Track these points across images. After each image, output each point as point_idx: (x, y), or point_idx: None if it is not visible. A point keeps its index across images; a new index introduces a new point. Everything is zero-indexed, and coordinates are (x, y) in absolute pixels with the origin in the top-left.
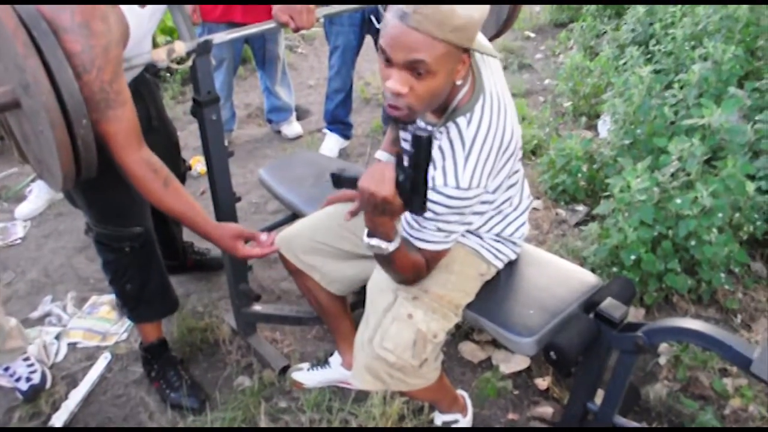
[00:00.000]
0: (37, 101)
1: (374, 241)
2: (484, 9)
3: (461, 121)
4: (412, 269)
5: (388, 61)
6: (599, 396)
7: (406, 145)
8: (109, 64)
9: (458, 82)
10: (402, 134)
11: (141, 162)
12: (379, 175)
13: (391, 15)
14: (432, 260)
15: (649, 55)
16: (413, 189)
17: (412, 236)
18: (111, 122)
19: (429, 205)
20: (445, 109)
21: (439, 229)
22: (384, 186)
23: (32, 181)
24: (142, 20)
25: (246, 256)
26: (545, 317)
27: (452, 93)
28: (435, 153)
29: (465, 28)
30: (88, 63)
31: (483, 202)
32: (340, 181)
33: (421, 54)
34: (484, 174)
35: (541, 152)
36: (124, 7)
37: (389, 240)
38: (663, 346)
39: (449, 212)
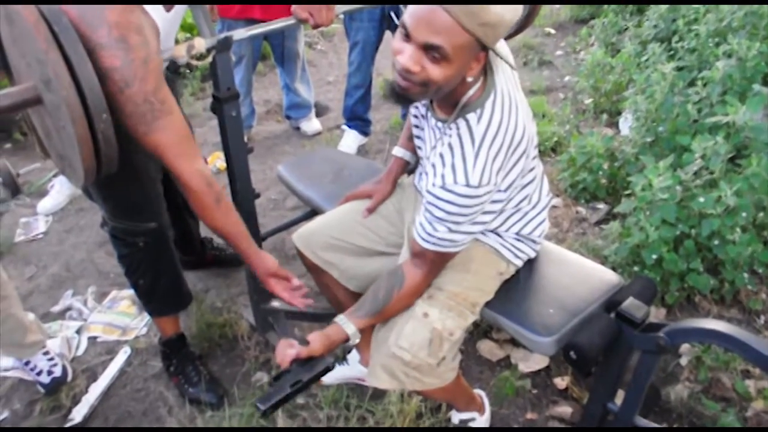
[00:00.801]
0: (59, 96)
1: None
2: (517, 11)
3: (471, 117)
4: (407, 300)
5: (407, 36)
6: (619, 396)
7: (417, 142)
8: (151, 74)
9: (469, 79)
10: (415, 131)
11: (197, 174)
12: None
13: None
14: (436, 265)
15: (671, 52)
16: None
17: (420, 236)
18: (160, 132)
19: (440, 203)
20: (454, 106)
21: (450, 230)
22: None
23: (54, 176)
24: (167, 23)
25: (273, 293)
26: (565, 317)
27: (462, 88)
28: (444, 150)
29: (494, 26)
30: (130, 77)
31: (494, 201)
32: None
33: (442, 39)
34: (494, 171)
35: (562, 150)
36: (152, 12)
37: (346, 338)
38: (684, 347)
39: (458, 211)
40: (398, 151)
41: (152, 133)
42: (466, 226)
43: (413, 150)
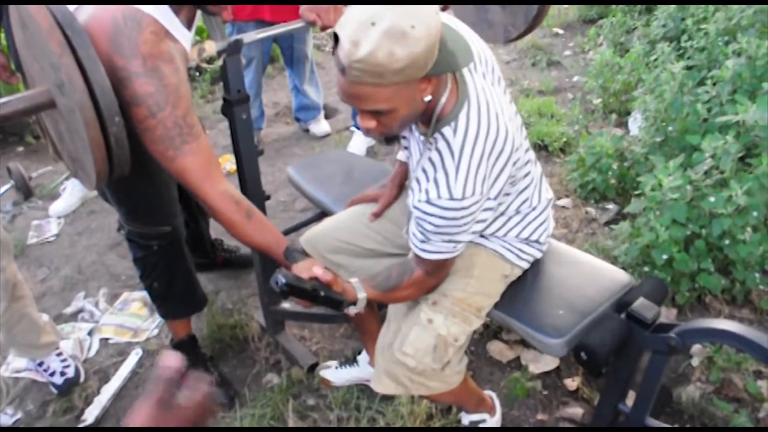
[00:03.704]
0: (72, 100)
1: (351, 309)
2: (432, 38)
3: (447, 131)
4: (414, 291)
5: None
6: (630, 397)
7: (407, 153)
8: (182, 100)
9: (427, 99)
10: (404, 142)
11: (222, 194)
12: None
13: (336, 65)
14: (438, 270)
15: (680, 51)
16: (325, 305)
17: (417, 247)
18: (187, 156)
19: (428, 218)
20: (429, 120)
21: (444, 241)
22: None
23: (66, 179)
24: (190, 42)
25: None
26: (575, 318)
27: (430, 105)
28: (426, 164)
29: (410, 67)
30: (162, 101)
31: (486, 209)
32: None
33: (372, 104)
34: (478, 181)
35: (571, 150)
36: (179, 37)
37: (354, 301)
38: (696, 347)
39: (448, 224)
40: (402, 156)
41: (180, 158)
42: (460, 236)
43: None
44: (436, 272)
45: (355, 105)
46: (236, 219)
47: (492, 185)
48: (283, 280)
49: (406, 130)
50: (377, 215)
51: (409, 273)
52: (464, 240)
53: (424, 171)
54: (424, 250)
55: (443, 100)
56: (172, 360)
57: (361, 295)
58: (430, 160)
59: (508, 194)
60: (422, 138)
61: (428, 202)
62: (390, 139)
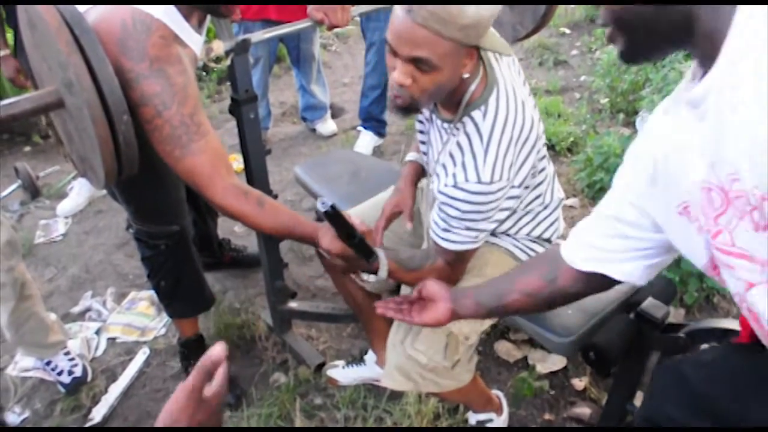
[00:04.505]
0: (80, 98)
1: (371, 278)
2: (495, 7)
3: (476, 114)
4: (437, 279)
5: (394, 53)
6: (638, 397)
7: (423, 147)
8: (189, 99)
9: (465, 76)
10: (420, 137)
11: (230, 188)
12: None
13: (399, 8)
14: (458, 262)
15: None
16: (357, 249)
17: (439, 236)
18: (195, 155)
19: (454, 203)
20: (458, 104)
21: (468, 228)
22: (333, 245)
23: (73, 178)
24: (199, 46)
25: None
26: (584, 317)
27: (462, 86)
28: (453, 149)
29: (473, 27)
30: (169, 100)
31: (510, 197)
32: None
33: (425, 51)
34: (506, 166)
35: (578, 149)
36: (188, 41)
37: (377, 268)
38: (704, 347)
39: (473, 209)
40: (412, 156)
41: (188, 156)
42: (483, 224)
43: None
44: (456, 263)
45: (406, 49)
46: (248, 209)
47: (517, 172)
48: (330, 202)
49: (425, 121)
50: (411, 218)
51: (432, 260)
52: (486, 229)
53: (451, 156)
54: (445, 240)
55: (474, 85)
56: (218, 355)
57: (384, 265)
58: (458, 144)
59: (527, 187)
60: (446, 125)
61: (455, 186)
62: (407, 109)
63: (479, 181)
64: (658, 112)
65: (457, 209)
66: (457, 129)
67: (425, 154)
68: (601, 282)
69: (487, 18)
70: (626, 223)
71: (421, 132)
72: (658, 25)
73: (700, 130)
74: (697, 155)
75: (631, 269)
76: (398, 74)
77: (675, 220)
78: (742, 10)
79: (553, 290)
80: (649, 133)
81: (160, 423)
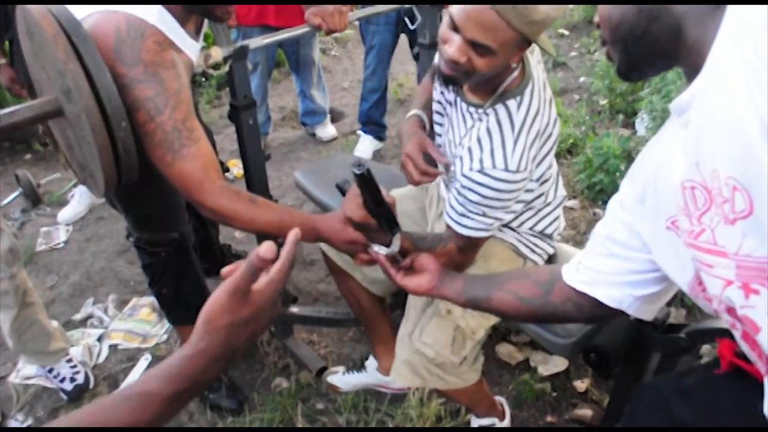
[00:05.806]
0: (79, 106)
1: (383, 250)
2: (563, 8)
3: (512, 103)
4: (444, 263)
5: (455, 29)
6: None
7: (439, 129)
8: (182, 104)
9: (513, 65)
10: (436, 117)
11: (221, 189)
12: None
13: None
14: (469, 248)
15: None
16: (379, 217)
17: (454, 220)
18: (186, 160)
19: (476, 188)
20: (492, 91)
21: (485, 215)
22: (357, 212)
23: (74, 186)
24: (196, 52)
25: (355, 240)
26: None
27: (502, 75)
28: (482, 135)
29: (540, 24)
30: (162, 104)
31: (527, 191)
32: (345, 192)
33: (490, 37)
34: (530, 158)
35: (578, 151)
36: (184, 47)
37: (389, 241)
38: (705, 348)
39: (495, 196)
40: (417, 111)
41: (179, 162)
42: (500, 213)
43: (430, 117)
44: (467, 249)
45: (471, 32)
46: (241, 207)
47: (538, 166)
48: (366, 166)
49: (445, 104)
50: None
51: (444, 243)
52: (501, 219)
53: (479, 141)
54: (460, 225)
55: (513, 76)
56: (267, 251)
57: (397, 240)
58: (488, 130)
59: (544, 181)
60: (472, 109)
61: (481, 171)
62: (451, 81)
63: (506, 169)
64: (652, 140)
65: (479, 194)
66: (487, 114)
67: (438, 135)
68: (592, 309)
69: (553, 18)
70: (616, 243)
71: (438, 113)
72: (649, 38)
73: (684, 136)
74: (680, 158)
75: (620, 296)
76: (455, 51)
77: (663, 236)
78: (725, 22)
79: (545, 302)
80: (642, 155)
81: (198, 327)
